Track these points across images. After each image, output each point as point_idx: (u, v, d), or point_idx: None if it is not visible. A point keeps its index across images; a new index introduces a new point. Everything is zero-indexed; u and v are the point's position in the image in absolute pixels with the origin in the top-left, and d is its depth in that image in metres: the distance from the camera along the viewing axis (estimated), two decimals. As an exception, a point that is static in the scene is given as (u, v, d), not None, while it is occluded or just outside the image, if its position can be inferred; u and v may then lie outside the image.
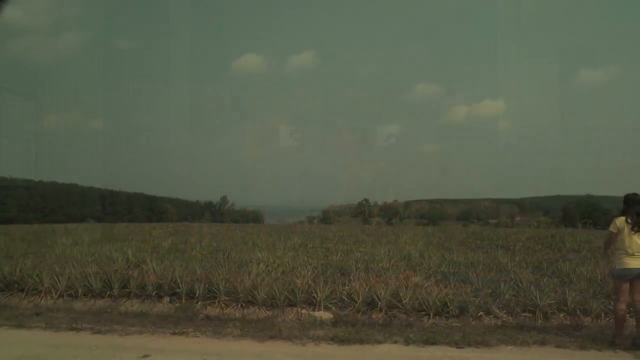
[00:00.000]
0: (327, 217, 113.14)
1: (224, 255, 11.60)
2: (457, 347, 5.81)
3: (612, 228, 6.30)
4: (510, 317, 7.35)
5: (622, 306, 6.11)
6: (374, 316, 7.42)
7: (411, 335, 6.20)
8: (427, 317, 7.32)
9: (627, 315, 6.37)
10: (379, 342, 5.97)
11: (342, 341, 5.96)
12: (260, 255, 11.05)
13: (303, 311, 7.58)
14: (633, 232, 6.05)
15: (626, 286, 6.11)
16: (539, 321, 7.20)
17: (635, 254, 6.01)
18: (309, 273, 9.11)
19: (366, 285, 7.96)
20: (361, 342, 5.93)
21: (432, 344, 5.91)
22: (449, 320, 7.26)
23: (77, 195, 73.72)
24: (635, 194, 6.25)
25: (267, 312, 7.64)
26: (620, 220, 6.23)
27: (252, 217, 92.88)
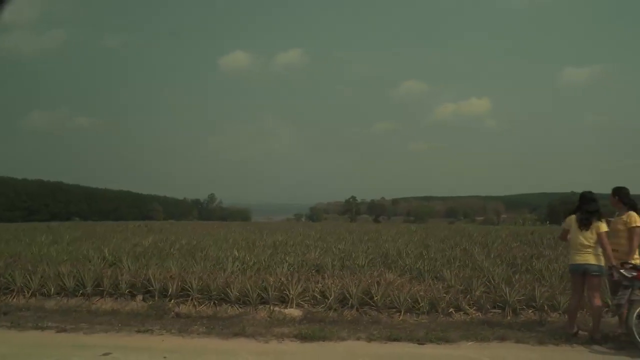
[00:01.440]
0: (314, 214, 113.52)
1: (201, 253, 11.57)
2: (419, 344, 5.84)
3: (564, 225, 6.54)
4: (480, 314, 7.43)
5: (574, 301, 6.27)
6: (345, 313, 7.46)
7: (375, 332, 6.23)
8: (398, 313, 7.38)
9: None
10: (343, 339, 6.00)
11: (305, 338, 5.98)
12: (237, 253, 11.05)
13: (276, 308, 7.61)
14: (581, 229, 6.15)
15: (578, 281, 6.22)
16: (508, 317, 7.28)
17: (582, 250, 6.14)
18: (284, 270, 9.14)
19: (339, 283, 7.99)
20: (324, 339, 5.95)
21: (395, 340, 5.94)
22: (419, 317, 7.32)
23: (63, 193, 73.01)
24: (590, 192, 6.34)
25: (240, 309, 7.65)
26: (570, 218, 6.36)
27: (239, 215, 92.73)
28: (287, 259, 10.53)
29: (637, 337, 5.39)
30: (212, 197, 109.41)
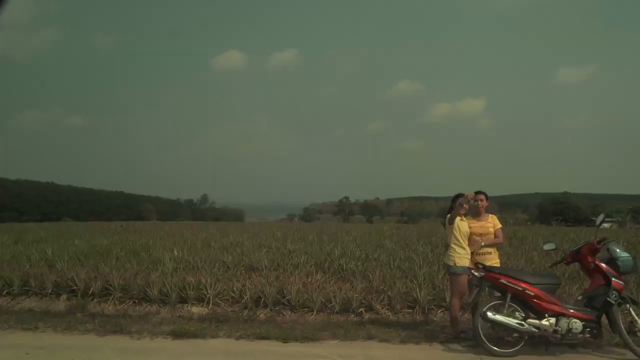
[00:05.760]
0: (308, 215, 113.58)
1: (146, 253, 11.69)
2: (283, 342, 5.94)
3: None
4: (390, 314, 7.54)
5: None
6: (259, 312, 7.59)
7: (250, 331, 6.33)
8: (311, 313, 7.50)
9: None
10: (213, 337, 6.11)
11: (177, 336, 6.10)
12: (176, 253, 11.18)
13: (193, 308, 7.74)
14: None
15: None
16: (418, 316, 7.40)
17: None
18: (214, 270, 9.27)
19: (257, 283, 8.12)
20: (195, 336, 6.06)
21: (263, 339, 6.05)
22: (332, 317, 7.43)
23: (54, 194, 73.01)
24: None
25: (159, 308, 7.78)
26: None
27: (233, 215, 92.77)
28: (226, 258, 10.64)
29: (482, 336, 5.50)
30: (204, 198, 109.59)
